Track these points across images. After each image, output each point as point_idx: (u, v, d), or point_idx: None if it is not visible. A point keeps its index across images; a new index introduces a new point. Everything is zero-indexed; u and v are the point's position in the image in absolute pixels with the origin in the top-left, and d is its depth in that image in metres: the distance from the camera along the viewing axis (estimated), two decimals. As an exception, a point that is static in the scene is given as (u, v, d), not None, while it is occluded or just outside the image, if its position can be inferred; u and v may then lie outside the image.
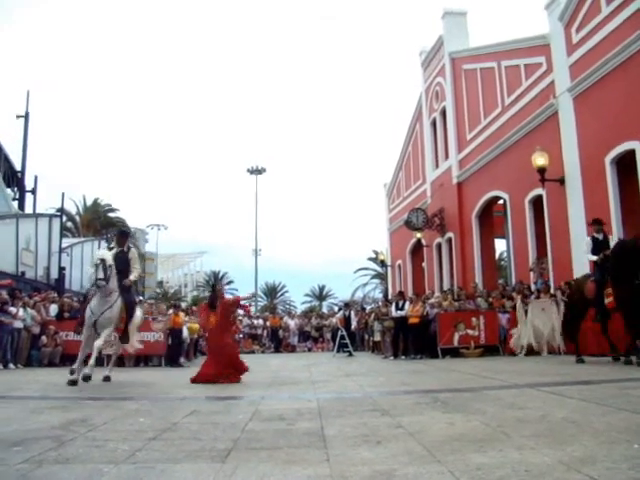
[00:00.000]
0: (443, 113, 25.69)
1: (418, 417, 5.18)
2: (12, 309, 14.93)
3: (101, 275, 9.14)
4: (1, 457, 3.84)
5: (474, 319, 16.00)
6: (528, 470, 3.17)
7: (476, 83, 22.34)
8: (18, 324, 14.97)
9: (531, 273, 17.79)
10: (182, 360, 16.04)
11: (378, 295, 53.52)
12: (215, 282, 11.40)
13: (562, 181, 16.35)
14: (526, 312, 14.92)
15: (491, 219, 22.81)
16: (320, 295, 74.66)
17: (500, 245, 26.72)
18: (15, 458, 3.78)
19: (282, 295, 73.96)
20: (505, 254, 32.66)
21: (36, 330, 15.57)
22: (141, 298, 21.63)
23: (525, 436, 4.09)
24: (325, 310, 52.41)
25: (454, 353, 15.80)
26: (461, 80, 23.69)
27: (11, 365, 14.55)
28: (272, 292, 70.83)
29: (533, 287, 16.49)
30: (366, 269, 59.11)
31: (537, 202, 18.12)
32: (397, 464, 3.42)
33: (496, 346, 15.86)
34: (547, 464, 3.26)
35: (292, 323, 27.72)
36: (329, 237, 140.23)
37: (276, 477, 3.24)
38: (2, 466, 3.60)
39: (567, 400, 5.88)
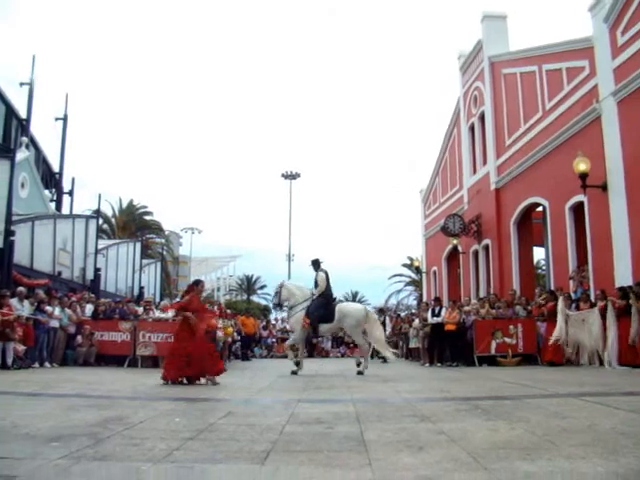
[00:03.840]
0: (482, 118, 25.43)
1: (459, 424, 5.07)
2: (48, 308, 15.15)
3: None
4: (39, 452, 3.84)
5: (512, 327, 15.76)
6: (580, 480, 3.05)
7: (516, 87, 22.07)
8: (54, 323, 15.19)
9: (571, 282, 17.47)
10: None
11: (412, 302, 53.24)
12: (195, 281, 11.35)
13: (604, 187, 16.01)
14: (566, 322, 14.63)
15: (530, 226, 22.48)
16: (353, 301, 74.36)
17: (538, 253, 26.39)
18: (53, 454, 3.77)
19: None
20: (542, 262, 32.30)
21: (72, 330, 15.77)
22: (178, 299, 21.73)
23: (573, 445, 3.96)
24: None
25: (491, 361, 15.58)
26: (500, 84, 23.43)
27: (47, 364, 14.76)
28: (305, 297, 70.85)
29: (573, 296, 16.16)
30: (400, 275, 58.84)
31: (578, 209, 17.78)
32: (442, 470, 3.32)
33: (534, 355, 15.60)
34: (601, 475, 3.14)
35: (325, 328, 27.60)
36: (363, 243, 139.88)
37: (318, 480, 3.17)
38: (41, 460, 3.59)
39: (614, 411, 5.72)
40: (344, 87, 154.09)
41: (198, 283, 11.03)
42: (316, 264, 13.71)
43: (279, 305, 14.34)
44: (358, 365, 12.86)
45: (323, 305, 13.04)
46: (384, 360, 19.03)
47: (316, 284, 13.42)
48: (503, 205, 23.11)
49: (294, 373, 12.71)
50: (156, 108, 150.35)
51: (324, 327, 13.14)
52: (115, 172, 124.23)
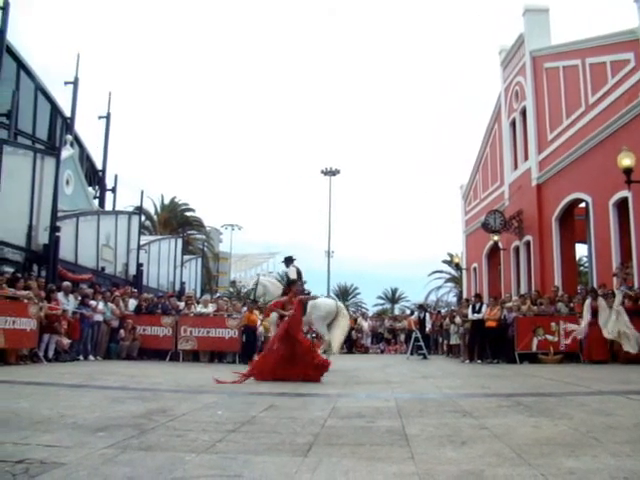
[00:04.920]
0: (523, 113, 25.11)
1: (502, 420, 5.04)
2: (92, 302, 15.43)
3: None
4: (86, 441, 3.92)
5: (553, 324, 15.52)
6: (628, 477, 3.00)
7: (558, 82, 21.72)
8: (98, 317, 15.46)
9: (614, 278, 17.13)
10: (256, 358, 16.15)
11: (452, 299, 52.82)
12: (290, 280, 11.51)
13: (650, 182, 15.68)
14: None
15: (572, 223, 22.15)
16: (392, 298, 74.18)
17: (580, 250, 25.95)
18: (100, 443, 3.86)
19: (354, 297, 73.82)
20: (585, 259, 31.77)
21: (115, 324, 16.02)
22: (218, 294, 21.97)
23: (619, 443, 3.90)
24: (397, 312, 51.96)
25: (532, 359, 15.37)
26: (542, 79, 23.10)
27: (91, 357, 15.04)
28: (344, 294, 70.70)
29: (617, 292, 15.85)
30: (440, 272, 58.26)
31: (622, 205, 17.46)
32: (485, 465, 3.30)
33: (576, 353, 15.35)
34: (649, 472, 3.08)
35: (365, 324, 27.60)
36: (402, 239, 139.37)
37: (361, 473, 3.18)
38: (88, 449, 3.66)
39: (662, 408, 5.62)
40: (386, 82, 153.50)
41: (294, 283, 11.32)
42: (289, 260, 13.89)
43: (255, 301, 14.48)
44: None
45: None
46: (424, 357, 19.00)
47: (288, 280, 13.52)
48: (545, 201, 22.81)
49: None
50: (199, 106, 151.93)
51: None
52: (157, 169, 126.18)
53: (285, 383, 8.78)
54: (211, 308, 16.82)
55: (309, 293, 13.99)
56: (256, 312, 16.35)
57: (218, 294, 24.81)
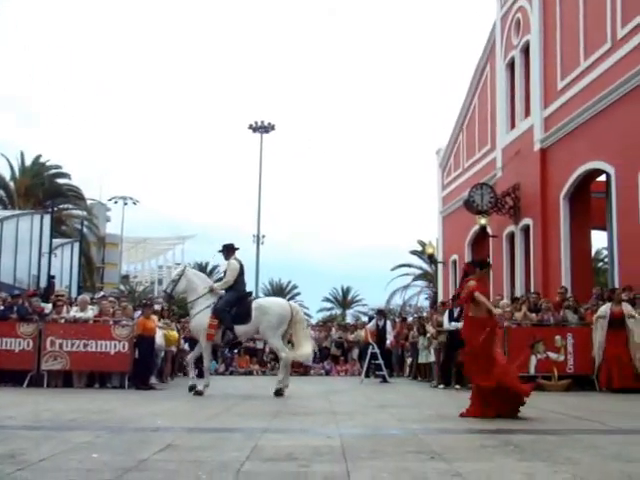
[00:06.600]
0: (525, 51, 25.33)
1: (484, 464, 5.10)
2: None
3: None
4: None
5: (559, 338, 15.79)
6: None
7: (576, 7, 21.78)
8: None
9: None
10: (154, 380, 16.05)
11: (424, 302, 53.32)
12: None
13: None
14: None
15: (587, 202, 22.46)
16: (344, 300, 74.75)
17: (598, 239, 26.44)
18: None
19: (292, 298, 73.92)
20: (604, 252, 32.46)
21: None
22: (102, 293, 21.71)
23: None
24: (350, 320, 52.28)
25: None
26: (555, 3, 23.24)
27: None
28: (278, 294, 70.74)
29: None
30: (408, 266, 58.66)
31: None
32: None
33: (589, 377, 15.67)
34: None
35: (305, 336, 27.67)
36: (357, 222, 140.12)
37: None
38: None
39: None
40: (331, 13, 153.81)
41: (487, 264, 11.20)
42: (230, 250, 13.95)
43: (171, 297, 14.54)
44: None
45: (235, 301, 13.32)
46: (383, 379, 19.15)
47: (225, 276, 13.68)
48: (551, 172, 23.11)
49: (198, 393, 13.00)
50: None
51: (239, 330, 13.44)
52: (15, 116, 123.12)
53: (190, 416, 8.73)
54: (91, 312, 16.56)
55: (251, 293, 14.15)
56: (154, 317, 16.23)
57: (103, 293, 24.35)
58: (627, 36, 19.02)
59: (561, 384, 15.36)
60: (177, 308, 22.66)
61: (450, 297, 21.03)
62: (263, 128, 50.42)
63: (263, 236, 52.59)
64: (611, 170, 19.80)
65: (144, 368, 15.56)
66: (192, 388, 13.37)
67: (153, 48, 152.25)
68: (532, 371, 15.66)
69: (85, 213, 51.35)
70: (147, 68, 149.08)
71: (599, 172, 21.06)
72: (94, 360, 15.55)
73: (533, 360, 15.66)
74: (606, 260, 29.34)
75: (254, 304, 13.43)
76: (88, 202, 52.88)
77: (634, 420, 8.64)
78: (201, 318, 13.19)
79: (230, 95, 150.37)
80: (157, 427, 7.54)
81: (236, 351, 26.64)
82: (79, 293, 26.60)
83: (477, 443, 6.23)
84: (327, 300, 75.02)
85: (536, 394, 14.14)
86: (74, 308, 16.87)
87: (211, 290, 13.50)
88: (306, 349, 14.04)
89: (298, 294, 74.90)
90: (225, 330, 13.23)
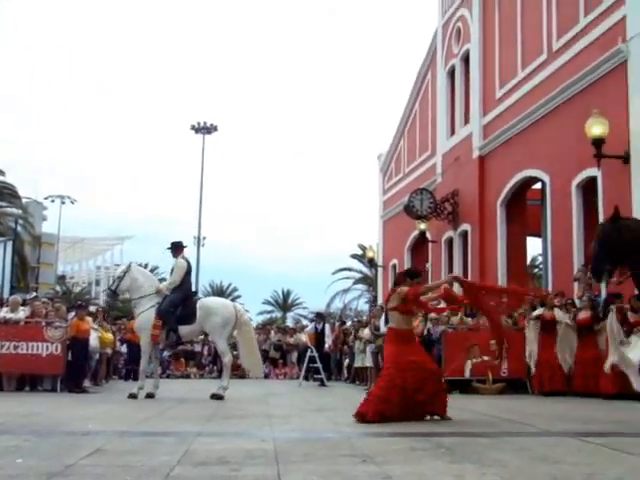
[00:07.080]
0: (466, 59, 25.54)
1: (414, 467, 5.14)
2: None
3: None
4: None
5: (493, 342, 15.92)
6: None
7: (515, 18, 22.07)
8: None
9: (575, 284, 17.67)
10: (87, 384, 15.87)
11: (364, 305, 53.50)
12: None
13: (626, 158, 16.12)
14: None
15: (523, 209, 22.72)
16: (284, 303, 74.69)
17: (534, 246, 26.75)
18: None
19: (232, 301, 73.76)
20: (539, 258, 32.88)
21: None
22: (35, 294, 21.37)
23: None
24: (290, 323, 52.25)
25: (464, 387, 15.78)
26: (494, 14, 23.46)
27: None
28: (219, 296, 70.44)
29: (578, 303, 16.41)
30: (348, 270, 58.97)
31: (589, 186, 17.99)
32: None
33: (522, 380, 15.86)
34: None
35: (243, 339, 27.55)
36: (299, 226, 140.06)
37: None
38: None
39: (624, 456, 5.86)
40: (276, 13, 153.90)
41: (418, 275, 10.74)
42: (178, 248, 13.91)
43: (115, 294, 14.41)
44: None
45: (180, 301, 13.27)
46: (322, 383, 19.17)
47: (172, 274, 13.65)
48: (489, 179, 23.33)
49: (132, 396, 12.90)
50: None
51: (183, 330, 13.41)
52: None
53: (121, 419, 8.64)
54: (22, 313, 16.27)
55: (196, 293, 14.13)
56: (89, 319, 16.04)
57: (35, 294, 23.94)
58: (562, 48, 19.31)
59: (495, 387, 15.52)
60: (119, 308, 22.38)
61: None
62: (205, 129, 50.21)
63: (204, 238, 52.55)
64: (546, 178, 20.06)
65: (77, 371, 15.38)
66: (149, 396, 13.18)
67: (98, 42, 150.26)
68: (467, 374, 15.83)
69: (20, 212, 50.58)
70: (88, 63, 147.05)
71: (535, 180, 21.32)
72: (25, 362, 15.28)
73: (468, 364, 15.84)
74: (541, 266, 29.70)
75: (199, 303, 13.38)
76: (24, 200, 52.07)
77: (564, 423, 8.76)
78: (145, 317, 13.12)
79: (172, 95, 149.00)
80: (88, 431, 7.45)
81: (169, 354, 26.48)
82: (12, 293, 26.16)
83: (407, 446, 6.26)
84: (268, 303, 74.95)
85: (471, 397, 14.38)
86: (4, 309, 16.58)
87: (158, 291, 13.41)
88: (256, 370, 14.10)
89: (239, 297, 74.46)
90: (169, 331, 13.16)
